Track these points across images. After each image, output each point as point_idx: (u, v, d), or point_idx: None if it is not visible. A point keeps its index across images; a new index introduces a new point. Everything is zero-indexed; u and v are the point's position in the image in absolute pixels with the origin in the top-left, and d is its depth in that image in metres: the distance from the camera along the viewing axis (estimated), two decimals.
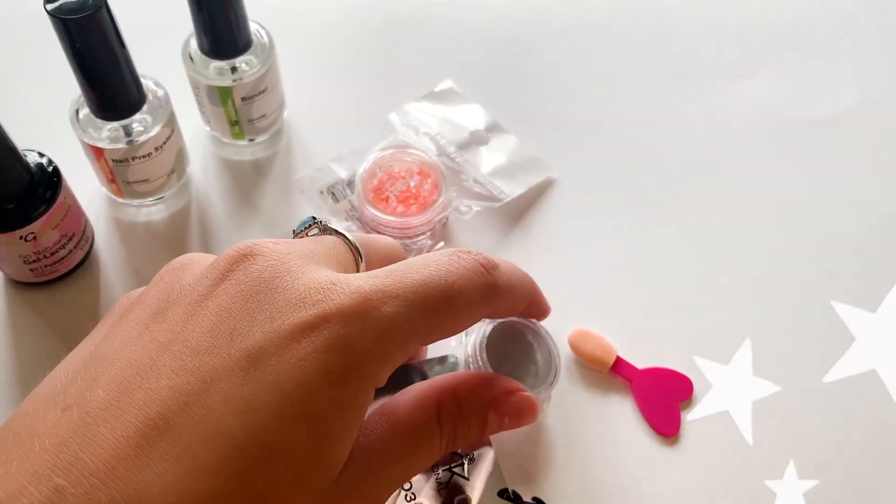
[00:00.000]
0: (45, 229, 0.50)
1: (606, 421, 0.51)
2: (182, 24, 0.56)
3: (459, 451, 0.47)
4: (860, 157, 0.62)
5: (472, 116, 0.64)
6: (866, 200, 0.60)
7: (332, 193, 0.59)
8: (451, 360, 0.49)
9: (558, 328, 0.52)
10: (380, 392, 0.33)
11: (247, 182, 0.60)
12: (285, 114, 0.62)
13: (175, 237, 0.57)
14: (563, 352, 0.53)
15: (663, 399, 0.52)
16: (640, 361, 0.53)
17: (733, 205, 0.60)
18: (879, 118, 0.65)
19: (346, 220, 0.58)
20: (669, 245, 0.58)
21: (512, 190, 0.60)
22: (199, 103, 0.59)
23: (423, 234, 0.57)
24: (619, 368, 0.52)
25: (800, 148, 0.63)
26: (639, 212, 0.60)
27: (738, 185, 0.61)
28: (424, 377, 0.46)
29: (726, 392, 0.52)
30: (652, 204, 0.60)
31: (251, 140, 0.61)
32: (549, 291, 0.55)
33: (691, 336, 0.54)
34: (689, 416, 0.51)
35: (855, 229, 0.59)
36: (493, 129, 0.63)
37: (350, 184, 0.59)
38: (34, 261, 0.52)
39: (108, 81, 0.50)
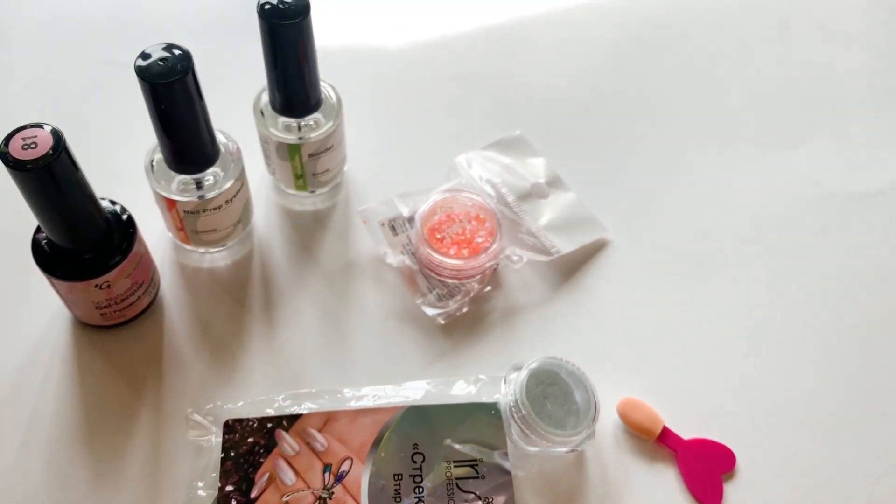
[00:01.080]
0: (118, 278, 0.52)
1: (650, 490, 0.52)
2: (251, 74, 0.58)
3: (477, 493, 0.50)
4: None
5: (536, 169, 0.65)
6: None
7: (392, 227, 0.60)
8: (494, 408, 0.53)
9: (607, 393, 0.54)
10: None
11: (307, 232, 0.62)
12: (346, 167, 0.64)
13: (237, 284, 0.59)
14: (611, 419, 0.54)
15: (706, 470, 0.53)
16: (685, 430, 0.54)
17: (780, 277, 0.61)
18: None
19: (402, 253, 0.60)
20: (716, 315, 0.59)
21: (563, 246, 0.61)
22: (266, 155, 0.61)
23: (474, 276, 0.59)
24: (666, 439, 0.53)
25: (845, 221, 0.64)
26: (688, 279, 0.61)
27: (785, 257, 0.62)
28: None
29: (768, 466, 0.53)
30: (701, 272, 0.61)
31: (312, 192, 0.63)
32: (599, 354, 0.57)
33: (736, 408, 0.55)
34: (731, 489, 0.53)
35: None
36: (554, 183, 0.65)
37: (410, 220, 0.60)
38: (105, 306, 0.54)
39: (187, 139, 0.52)
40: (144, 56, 0.48)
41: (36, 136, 0.45)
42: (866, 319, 0.60)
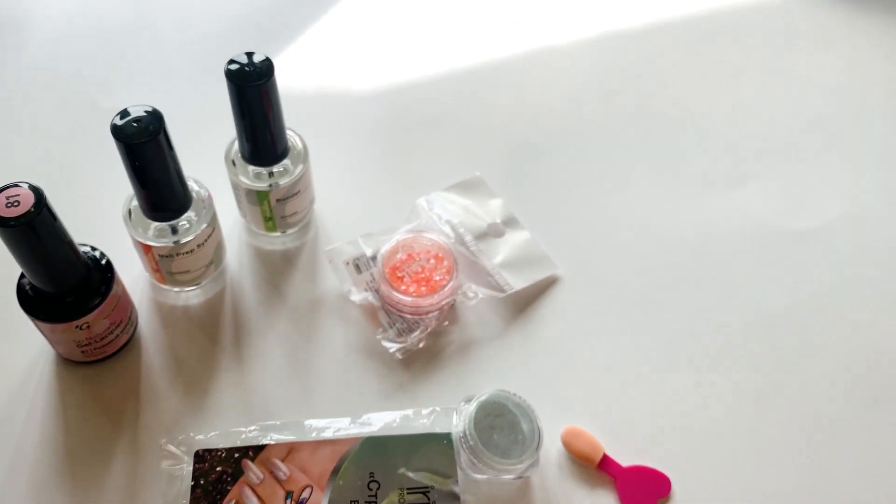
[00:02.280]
0: (98, 318, 0.56)
1: None
2: (226, 123, 0.62)
3: None
4: (837, 269, 0.68)
5: (493, 209, 0.70)
6: (841, 310, 0.66)
7: (357, 265, 0.65)
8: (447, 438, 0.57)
9: (552, 422, 0.58)
10: None
11: (276, 271, 0.66)
12: (315, 206, 0.68)
13: (210, 321, 0.64)
14: (555, 447, 0.58)
15: (643, 496, 0.57)
16: (624, 458, 0.58)
17: (719, 312, 0.65)
18: (860, 231, 0.70)
19: (366, 290, 0.64)
20: (657, 347, 0.63)
21: (516, 283, 0.65)
22: (238, 200, 0.65)
23: (432, 313, 0.63)
24: (606, 465, 0.58)
25: (785, 256, 0.68)
26: (632, 313, 0.65)
27: (725, 293, 0.66)
28: None
29: (703, 492, 0.57)
30: (645, 307, 0.66)
31: (283, 232, 0.67)
32: (546, 385, 0.61)
33: (673, 437, 0.59)
34: None
35: (830, 339, 0.64)
36: (509, 223, 0.69)
37: (374, 259, 0.65)
38: (86, 345, 0.58)
39: (160, 191, 0.56)
40: (122, 115, 0.52)
41: (18, 195, 0.49)
42: (803, 350, 0.63)
